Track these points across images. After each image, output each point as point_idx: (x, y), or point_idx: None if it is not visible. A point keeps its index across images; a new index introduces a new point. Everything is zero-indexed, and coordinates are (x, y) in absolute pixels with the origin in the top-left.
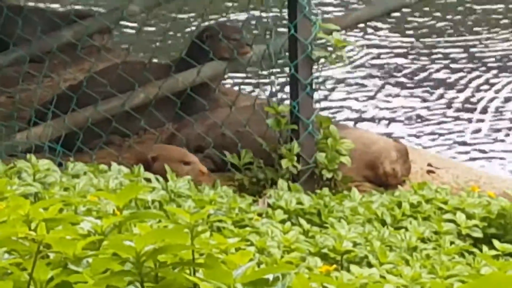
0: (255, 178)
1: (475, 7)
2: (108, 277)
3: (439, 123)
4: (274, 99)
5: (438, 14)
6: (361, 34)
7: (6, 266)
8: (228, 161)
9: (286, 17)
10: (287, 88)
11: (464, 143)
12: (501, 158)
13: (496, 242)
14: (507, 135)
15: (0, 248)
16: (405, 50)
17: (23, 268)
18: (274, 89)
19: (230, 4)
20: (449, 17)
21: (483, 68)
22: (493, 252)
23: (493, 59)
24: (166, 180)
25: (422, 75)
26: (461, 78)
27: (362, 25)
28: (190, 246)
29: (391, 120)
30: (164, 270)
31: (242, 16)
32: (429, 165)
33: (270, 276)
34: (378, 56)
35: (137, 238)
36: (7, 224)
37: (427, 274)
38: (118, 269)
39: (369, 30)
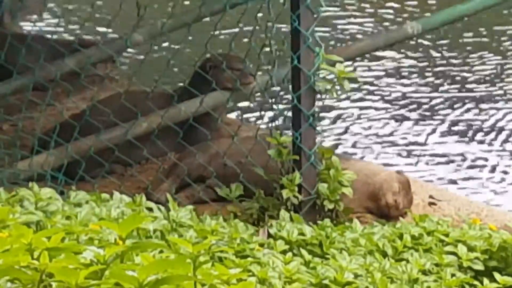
0: (256, 209)
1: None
2: None
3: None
4: (274, 127)
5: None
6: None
7: None
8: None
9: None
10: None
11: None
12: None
13: (497, 275)
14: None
15: (3, 277)
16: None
17: None
18: (276, 119)
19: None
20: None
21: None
22: (494, 285)
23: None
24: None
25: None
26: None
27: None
28: (192, 277)
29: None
30: None
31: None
32: (431, 197)
33: None
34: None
35: (140, 268)
36: (10, 252)
37: None
38: None
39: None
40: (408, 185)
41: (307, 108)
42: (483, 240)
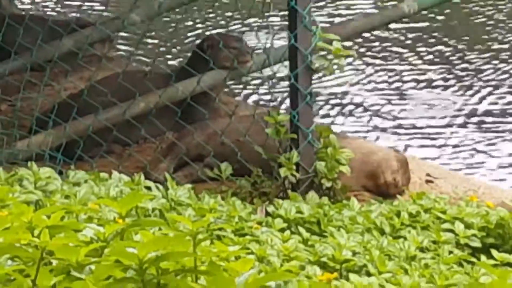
0: (247, 187)
1: None
2: (111, 284)
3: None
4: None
5: None
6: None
7: (9, 273)
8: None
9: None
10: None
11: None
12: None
13: (494, 252)
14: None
15: (3, 255)
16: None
17: (26, 275)
18: (273, 98)
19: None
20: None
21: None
22: (492, 262)
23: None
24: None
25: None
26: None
27: None
28: (192, 253)
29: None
30: (167, 277)
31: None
32: (428, 175)
33: (273, 284)
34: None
35: (140, 245)
36: (10, 230)
37: (425, 283)
38: (120, 276)
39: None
40: (406, 163)
41: (304, 87)
42: (480, 217)
